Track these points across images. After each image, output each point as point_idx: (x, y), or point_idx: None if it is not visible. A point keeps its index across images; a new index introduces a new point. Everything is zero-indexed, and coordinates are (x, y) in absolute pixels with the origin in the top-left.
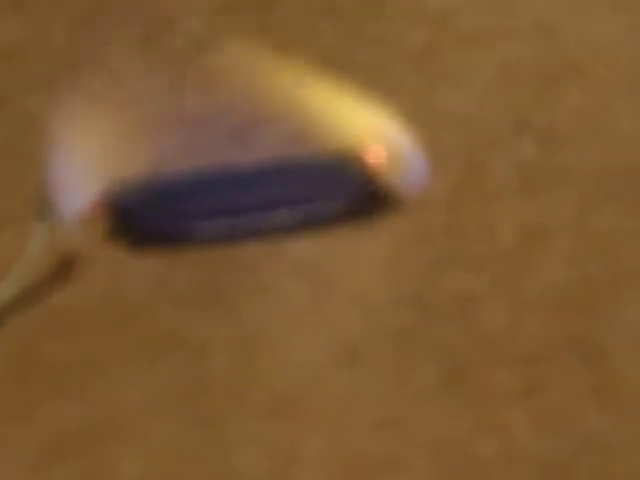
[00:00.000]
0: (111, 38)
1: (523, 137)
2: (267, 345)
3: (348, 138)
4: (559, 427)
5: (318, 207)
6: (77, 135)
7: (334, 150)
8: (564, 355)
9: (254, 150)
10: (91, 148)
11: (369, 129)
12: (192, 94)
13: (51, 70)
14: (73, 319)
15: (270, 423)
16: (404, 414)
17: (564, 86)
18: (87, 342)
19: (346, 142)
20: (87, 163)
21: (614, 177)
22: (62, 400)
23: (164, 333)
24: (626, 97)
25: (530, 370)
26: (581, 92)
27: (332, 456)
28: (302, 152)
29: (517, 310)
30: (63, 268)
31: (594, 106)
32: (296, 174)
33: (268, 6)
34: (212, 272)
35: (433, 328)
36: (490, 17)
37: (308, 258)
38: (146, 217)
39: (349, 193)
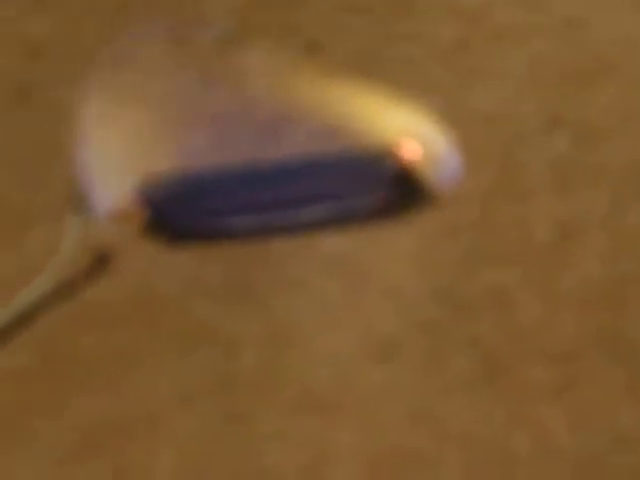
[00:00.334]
0: (142, 34)
1: (556, 134)
2: (298, 340)
3: (382, 134)
4: (592, 424)
5: (351, 203)
6: (110, 131)
7: (368, 146)
8: (597, 351)
9: (285, 145)
10: (124, 144)
11: (403, 125)
12: (223, 90)
13: (82, 66)
14: (106, 313)
15: (300, 418)
16: (436, 408)
17: (597, 82)
18: (119, 336)
19: (380, 138)
20: (120, 159)
21: None
22: (94, 394)
23: (196, 327)
24: None
25: (563, 366)
26: (614, 88)
27: (363, 451)
28: (336, 148)
29: (550, 305)
30: (97, 263)
31: (627, 102)
32: (330, 169)
33: (299, 4)
34: (244, 267)
35: (466, 322)
36: (522, 13)
37: (341, 253)
38: (178, 212)
39: (383, 189)
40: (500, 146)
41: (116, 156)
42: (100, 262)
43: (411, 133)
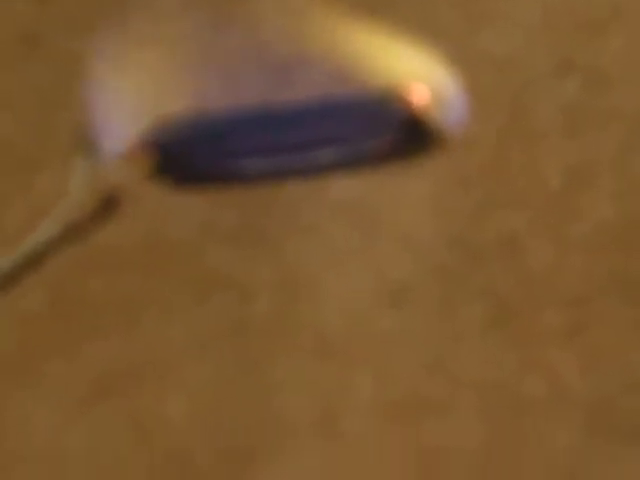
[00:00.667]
0: None
1: (567, 78)
2: (311, 286)
3: (392, 77)
4: (603, 367)
5: (362, 146)
6: (119, 73)
7: (378, 89)
8: (608, 295)
9: (298, 88)
10: (133, 86)
11: (413, 69)
12: (235, 33)
13: (92, 13)
14: (116, 257)
15: (314, 364)
16: (448, 354)
17: (607, 29)
18: (129, 280)
19: (390, 81)
20: (129, 101)
21: None
22: (104, 338)
23: (207, 272)
24: None
25: (574, 310)
26: (625, 36)
27: (378, 397)
28: (346, 91)
29: (561, 250)
30: (106, 206)
31: (637, 48)
32: (340, 112)
33: None
34: (256, 212)
35: (478, 268)
36: None
37: (352, 198)
38: (189, 155)
39: (393, 132)
40: (510, 91)
41: (126, 98)
42: (109, 205)
43: (420, 77)
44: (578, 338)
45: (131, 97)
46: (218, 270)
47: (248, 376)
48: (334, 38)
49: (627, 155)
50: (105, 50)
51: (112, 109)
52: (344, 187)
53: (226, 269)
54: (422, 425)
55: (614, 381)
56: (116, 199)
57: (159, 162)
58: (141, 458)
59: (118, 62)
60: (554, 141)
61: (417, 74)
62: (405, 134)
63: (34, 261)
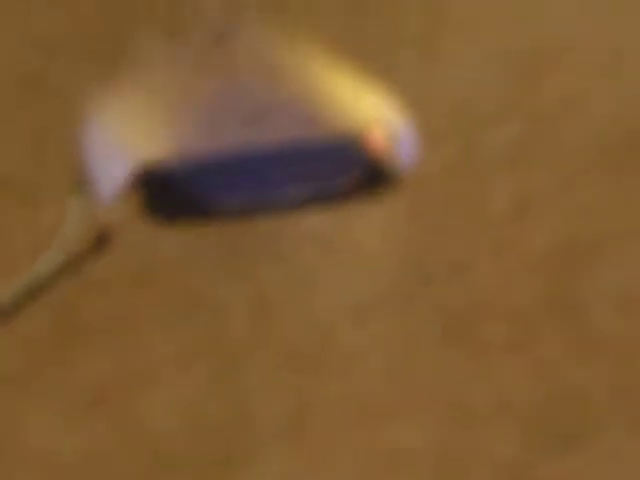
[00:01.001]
0: (141, 30)
1: (512, 117)
2: (283, 307)
3: (354, 122)
4: (543, 377)
5: (328, 183)
6: (111, 119)
7: (341, 132)
8: (548, 314)
9: (270, 132)
10: (124, 129)
11: (372, 114)
12: (215, 81)
13: (88, 59)
14: (108, 284)
15: (285, 376)
16: (406, 366)
17: (550, 70)
18: (120, 303)
19: (352, 126)
20: (121, 143)
21: (594, 152)
22: (99, 356)
23: (189, 295)
24: (603, 80)
25: (518, 327)
26: (565, 75)
27: (343, 403)
28: (314, 134)
29: (506, 273)
30: (99, 238)
31: (574, 89)
32: (308, 153)
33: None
34: (234, 241)
35: (432, 289)
36: (483, 6)
37: (320, 228)
38: (174, 192)
39: (355, 170)
40: (460, 129)
41: (117, 141)
42: (102, 237)
43: (378, 121)
44: (521, 352)
45: (121, 142)
46: (199, 292)
47: (226, 387)
48: (303, 86)
49: (567, 186)
50: (98, 99)
51: (104, 153)
52: (312, 219)
53: (206, 292)
54: (381, 430)
55: (551, 392)
56: (108, 233)
57: (146, 199)
58: (129, 462)
59: (110, 110)
60: (500, 175)
61: (376, 119)
62: (365, 171)
63: (36, 288)
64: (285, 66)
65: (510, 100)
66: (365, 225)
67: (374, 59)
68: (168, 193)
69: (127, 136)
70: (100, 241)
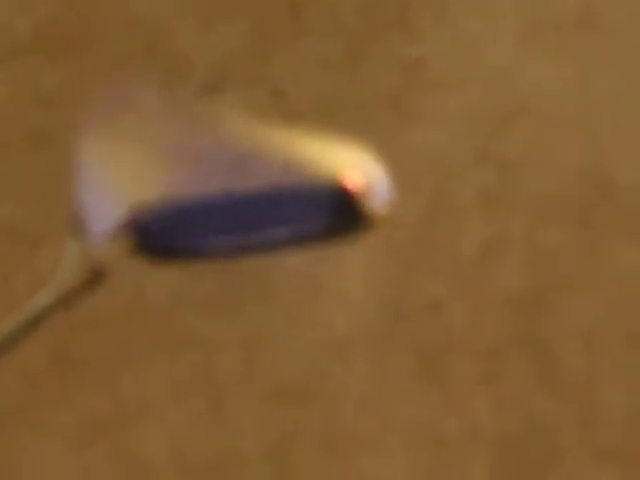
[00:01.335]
0: (136, 84)
1: (483, 166)
2: (268, 342)
3: (330, 169)
4: (510, 410)
5: (307, 225)
6: (104, 166)
7: (319, 179)
8: (515, 350)
9: (253, 178)
10: (116, 177)
11: (348, 162)
12: (202, 132)
13: (84, 112)
14: (103, 321)
15: (270, 408)
16: (382, 398)
17: (517, 123)
18: (115, 340)
19: (329, 173)
20: (113, 189)
21: (561, 200)
22: (96, 390)
23: (180, 333)
24: (570, 132)
25: (489, 362)
26: (531, 129)
27: (325, 434)
28: (293, 180)
29: (476, 311)
30: (93, 278)
31: (542, 141)
32: (288, 198)
33: (268, 58)
34: (220, 281)
35: (408, 326)
36: (454, 65)
37: (302, 268)
38: (163, 234)
39: (331, 214)
40: (434, 177)
41: (109, 187)
42: (96, 277)
43: (353, 168)
44: (490, 385)
45: (114, 186)
46: (189, 330)
47: (215, 420)
48: (283, 138)
49: (532, 232)
50: (92, 145)
51: (98, 197)
52: (294, 260)
53: (196, 329)
54: (361, 460)
55: (519, 422)
56: (102, 272)
57: (137, 240)
58: None
59: (103, 156)
60: (471, 218)
61: (351, 166)
62: (342, 215)
63: (34, 325)
64: (267, 120)
65: (480, 150)
66: (342, 265)
67: (350, 113)
68: (158, 235)
69: (119, 181)
70: (94, 279)
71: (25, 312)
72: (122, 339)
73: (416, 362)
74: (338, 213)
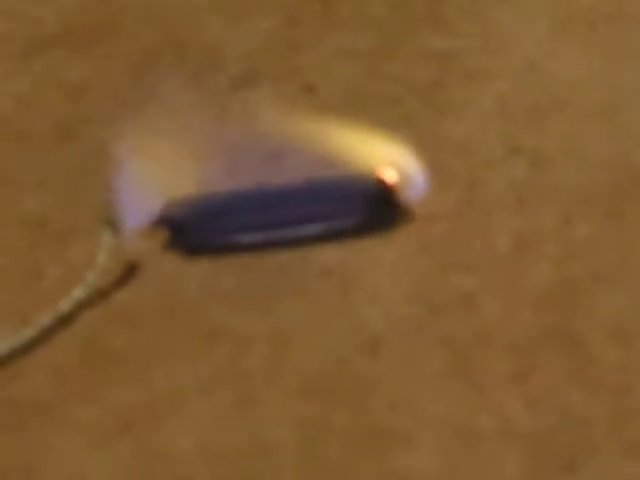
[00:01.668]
0: (167, 77)
1: (515, 160)
2: (299, 338)
3: (366, 163)
4: (545, 404)
5: (342, 220)
6: (139, 161)
7: (355, 172)
8: (548, 344)
9: (288, 173)
10: (151, 172)
11: (383, 155)
12: (236, 125)
13: (116, 105)
14: (135, 316)
15: (300, 403)
16: (415, 395)
17: (550, 116)
18: (146, 334)
19: (364, 166)
20: (147, 184)
21: (592, 193)
22: (125, 385)
23: (211, 327)
24: (602, 125)
25: (521, 357)
26: (564, 122)
27: (355, 430)
28: (329, 175)
29: (509, 306)
30: (127, 272)
31: (575, 133)
32: (324, 192)
33: (298, 50)
34: (252, 275)
35: (440, 321)
36: (485, 58)
37: (333, 264)
38: (196, 229)
39: (367, 208)
40: (467, 170)
41: (144, 182)
42: (129, 270)
43: (388, 162)
44: (523, 381)
45: (148, 182)
46: (219, 324)
47: (244, 416)
48: (318, 130)
49: (566, 225)
50: (126, 141)
51: (132, 192)
52: (327, 254)
53: (227, 324)
54: (388, 454)
55: (553, 417)
56: (135, 266)
57: (170, 235)
58: None
59: (137, 152)
60: (504, 212)
61: (386, 160)
62: (378, 209)
63: (67, 319)
64: (301, 112)
65: (512, 143)
66: (375, 260)
67: (382, 107)
68: (191, 229)
69: (153, 176)
70: (127, 274)
71: (59, 306)
72: (153, 334)
73: (448, 357)
74: (373, 207)
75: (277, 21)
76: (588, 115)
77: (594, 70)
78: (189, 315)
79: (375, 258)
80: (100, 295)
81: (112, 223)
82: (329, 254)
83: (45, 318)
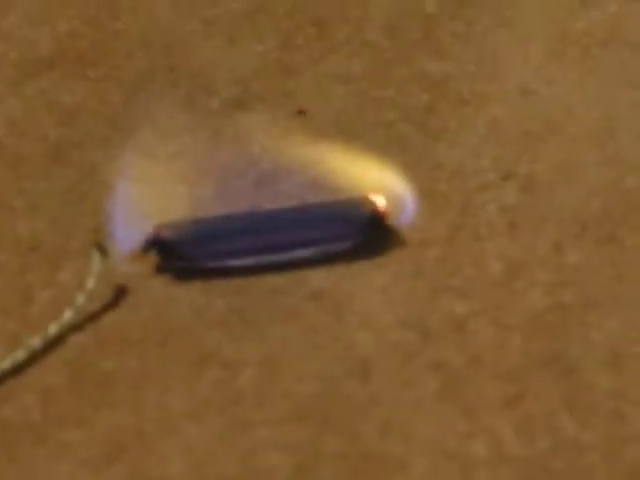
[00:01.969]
0: (159, 101)
1: (508, 185)
2: (290, 362)
3: (357, 188)
4: (537, 430)
5: (335, 244)
6: (131, 184)
7: (346, 197)
8: (541, 370)
9: (280, 196)
10: (143, 195)
11: (374, 180)
12: (228, 149)
13: (108, 129)
14: (125, 339)
15: (291, 427)
16: (406, 419)
17: (542, 141)
18: (136, 358)
19: (356, 191)
20: (139, 208)
21: (585, 218)
22: (115, 408)
23: (201, 351)
24: (595, 150)
25: (513, 382)
26: (557, 147)
27: (347, 455)
28: (320, 199)
29: (502, 331)
30: (117, 296)
31: (568, 159)
32: (315, 217)
33: (292, 74)
34: (243, 299)
35: (431, 346)
36: (479, 83)
37: (325, 288)
38: (187, 253)
39: (358, 232)
40: (460, 195)
41: (136, 205)
42: (120, 295)
43: (381, 186)
44: (515, 407)
45: (139, 205)
46: (210, 348)
47: (236, 440)
48: (310, 155)
49: (558, 251)
50: (118, 165)
51: (124, 215)
52: (318, 278)
53: (217, 347)
54: (380, 479)
55: (545, 444)
56: (124, 289)
57: (161, 259)
58: None
59: (129, 175)
60: (496, 238)
61: (378, 184)
62: (369, 233)
63: (57, 342)
64: (293, 136)
65: (505, 169)
66: (368, 284)
67: (375, 132)
68: (182, 253)
69: (145, 199)
70: (117, 298)
71: (48, 330)
72: (143, 357)
73: (440, 382)
74: (365, 232)
75: (271, 44)
76: (582, 140)
77: (588, 95)
78: (180, 339)
79: (367, 282)
80: (90, 318)
81: (103, 246)
82: (321, 278)
83: (35, 341)
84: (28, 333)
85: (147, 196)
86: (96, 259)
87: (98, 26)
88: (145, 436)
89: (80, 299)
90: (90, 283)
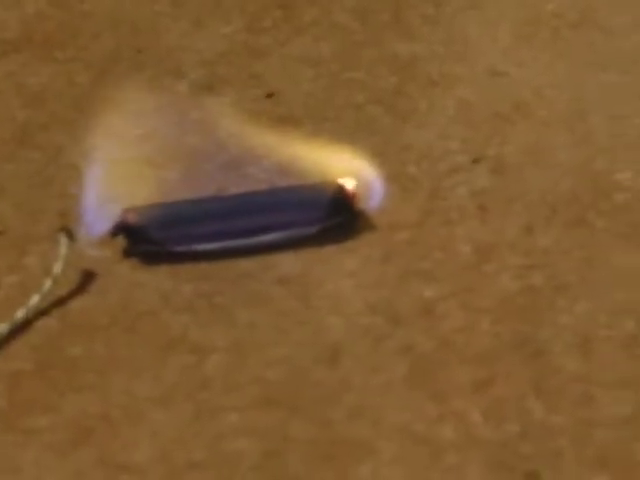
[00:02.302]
0: (126, 83)
1: (478, 167)
2: (258, 347)
3: (325, 172)
4: (506, 414)
5: (303, 228)
6: (98, 167)
7: (314, 181)
8: (510, 353)
9: (248, 180)
10: (109, 178)
11: (343, 164)
12: (195, 133)
13: (75, 112)
14: (92, 324)
15: (259, 412)
16: (376, 404)
17: (512, 123)
18: (103, 343)
19: (324, 175)
20: (106, 191)
21: (555, 201)
22: (82, 394)
23: (169, 336)
24: (565, 133)
25: (482, 366)
26: (526, 129)
27: (316, 440)
28: (288, 183)
29: (471, 315)
30: (84, 280)
31: (537, 141)
32: (283, 201)
33: (260, 57)
34: (211, 283)
35: (400, 330)
36: (448, 65)
37: (294, 273)
38: (155, 237)
39: (327, 216)
40: (429, 178)
41: (103, 189)
42: (87, 279)
43: (349, 169)
44: (484, 390)
45: (106, 189)
46: (178, 333)
47: (204, 424)
48: (277, 141)
49: (527, 234)
50: (85, 147)
51: (90, 199)
52: (287, 263)
53: (184, 332)
54: (349, 464)
55: (513, 427)
56: (92, 274)
57: (128, 243)
58: None
59: (96, 158)
60: (466, 221)
61: (347, 167)
62: (338, 217)
63: (23, 328)
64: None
65: (475, 151)
66: (337, 269)
67: (344, 114)
68: (149, 237)
69: (111, 182)
70: (84, 282)
71: (15, 315)
72: (110, 342)
73: (409, 367)
74: (333, 216)
75: (238, 27)
76: (551, 122)
77: (558, 77)
78: (147, 324)
79: (336, 267)
80: (57, 303)
81: (70, 230)
82: (289, 263)
83: (1, 326)
84: None
85: (114, 179)
86: (63, 243)
87: (65, 8)
88: (112, 421)
89: (47, 284)
90: (57, 268)
